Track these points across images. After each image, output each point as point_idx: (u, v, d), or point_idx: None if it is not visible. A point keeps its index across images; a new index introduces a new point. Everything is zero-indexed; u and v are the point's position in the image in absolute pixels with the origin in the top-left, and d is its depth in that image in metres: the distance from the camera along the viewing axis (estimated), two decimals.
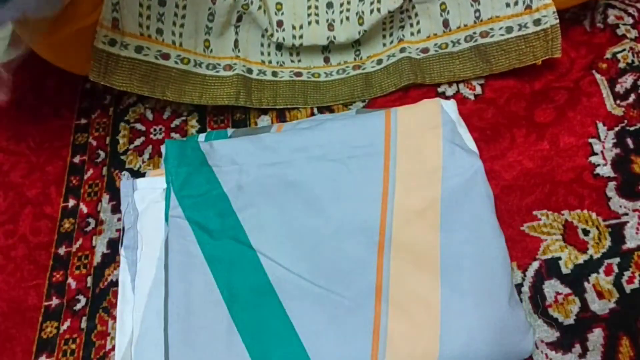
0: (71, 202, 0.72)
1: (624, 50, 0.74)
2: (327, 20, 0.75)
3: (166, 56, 0.70)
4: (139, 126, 0.77)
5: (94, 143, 0.77)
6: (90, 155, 0.76)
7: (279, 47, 0.77)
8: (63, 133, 0.79)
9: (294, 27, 0.75)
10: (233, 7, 0.71)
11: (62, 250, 0.69)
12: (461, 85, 0.75)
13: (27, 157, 0.77)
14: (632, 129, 0.68)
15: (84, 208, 0.72)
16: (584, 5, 0.75)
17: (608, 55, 0.74)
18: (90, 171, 0.75)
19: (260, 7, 0.72)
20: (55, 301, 0.65)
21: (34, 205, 0.72)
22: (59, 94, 0.83)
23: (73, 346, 0.62)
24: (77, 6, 0.63)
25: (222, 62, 0.75)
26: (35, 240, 0.70)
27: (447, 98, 0.74)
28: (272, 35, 0.74)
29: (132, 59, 0.68)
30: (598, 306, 0.57)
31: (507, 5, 0.69)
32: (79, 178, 0.74)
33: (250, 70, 0.76)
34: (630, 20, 0.77)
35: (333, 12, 0.75)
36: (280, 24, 0.75)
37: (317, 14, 0.76)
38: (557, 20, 0.67)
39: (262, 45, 0.77)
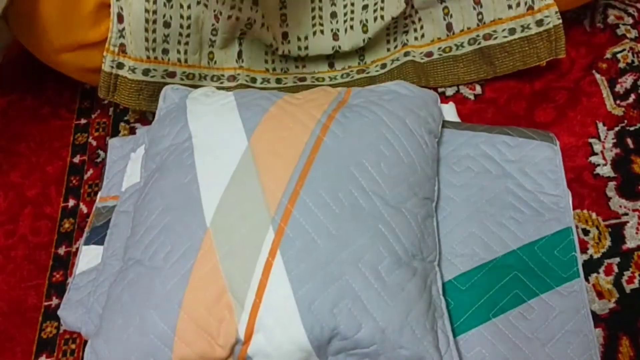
0: (71, 202, 0.72)
1: (624, 50, 0.74)
2: (332, 30, 0.76)
3: (172, 74, 0.71)
4: (139, 126, 0.77)
5: (94, 143, 0.77)
6: (90, 155, 0.76)
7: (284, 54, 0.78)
8: (63, 133, 0.79)
9: (299, 39, 0.76)
10: (236, 26, 0.71)
11: (62, 250, 0.69)
12: (461, 86, 0.75)
13: (27, 157, 0.77)
14: (632, 129, 0.68)
15: (83, 208, 0.72)
16: (584, 5, 0.75)
17: (608, 55, 0.74)
18: (90, 171, 0.75)
19: (263, 25, 0.72)
20: (55, 301, 0.65)
21: (34, 205, 0.72)
22: (59, 94, 0.83)
23: (73, 346, 0.62)
24: (82, 21, 0.65)
25: (226, 73, 0.76)
26: (35, 240, 0.70)
27: (447, 98, 0.74)
28: (277, 49, 0.75)
29: (139, 81, 0.69)
30: (598, 306, 0.57)
31: (509, 7, 0.69)
32: (79, 178, 0.75)
33: (254, 80, 0.76)
34: (630, 20, 0.77)
35: (337, 21, 0.76)
36: (285, 35, 0.75)
37: (321, 24, 0.76)
38: (560, 20, 0.67)
39: (266, 53, 0.77)
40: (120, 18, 0.65)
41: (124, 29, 0.66)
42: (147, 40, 0.67)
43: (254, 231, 0.49)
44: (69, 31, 0.65)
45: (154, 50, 0.68)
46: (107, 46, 0.66)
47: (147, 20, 0.66)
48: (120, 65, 0.68)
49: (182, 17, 0.68)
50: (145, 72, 0.69)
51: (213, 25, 0.71)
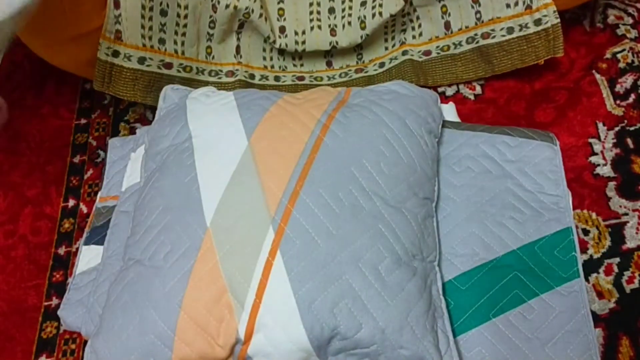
0: (71, 202, 0.72)
1: (624, 50, 0.74)
2: (330, 26, 0.76)
3: (169, 65, 0.71)
4: (139, 126, 0.77)
5: (94, 143, 0.77)
6: (90, 155, 0.76)
7: (282, 51, 0.77)
8: (63, 133, 0.79)
9: (296, 33, 0.76)
10: (234, 15, 0.71)
11: (62, 250, 0.69)
12: (461, 85, 0.75)
13: (27, 157, 0.77)
14: (632, 129, 0.68)
15: (84, 208, 0.72)
16: (584, 5, 0.75)
17: (608, 55, 0.74)
18: (90, 171, 0.75)
19: (261, 15, 0.72)
20: (55, 301, 0.65)
21: (34, 205, 0.72)
22: (59, 94, 0.83)
23: (73, 346, 0.62)
24: (80, 11, 0.64)
25: (224, 69, 0.76)
26: (35, 240, 0.70)
27: (447, 98, 0.74)
28: (274, 42, 0.75)
29: (135, 69, 0.69)
30: (598, 306, 0.57)
31: (508, 5, 0.69)
32: (79, 178, 0.75)
33: (252, 76, 0.76)
34: (630, 20, 0.77)
35: (335, 17, 0.76)
36: (282, 29, 0.75)
37: (319, 19, 0.76)
38: (558, 20, 0.67)
39: (264, 50, 0.77)
40: (116, 4, 0.65)
41: (120, 14, 0.66)
42: (143, 27, 0.67)
43: (254, 231, 0.49)
44: (66, 21, 0.64)
45: (150, 38, 0.68)
46: (102, 32, 0.65)
47: (143, 7, 0.66)
48: (115, 53, 0.67)
49: (179, 5, 0.68)
50: (141, 60, 0.69)
51: (211, 17, 0.71)
